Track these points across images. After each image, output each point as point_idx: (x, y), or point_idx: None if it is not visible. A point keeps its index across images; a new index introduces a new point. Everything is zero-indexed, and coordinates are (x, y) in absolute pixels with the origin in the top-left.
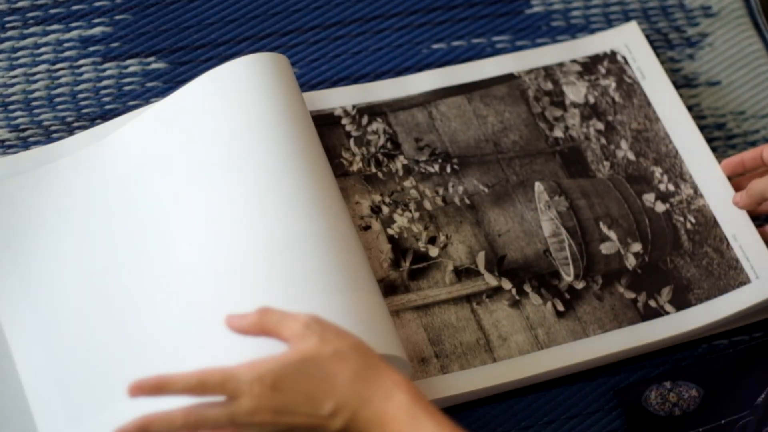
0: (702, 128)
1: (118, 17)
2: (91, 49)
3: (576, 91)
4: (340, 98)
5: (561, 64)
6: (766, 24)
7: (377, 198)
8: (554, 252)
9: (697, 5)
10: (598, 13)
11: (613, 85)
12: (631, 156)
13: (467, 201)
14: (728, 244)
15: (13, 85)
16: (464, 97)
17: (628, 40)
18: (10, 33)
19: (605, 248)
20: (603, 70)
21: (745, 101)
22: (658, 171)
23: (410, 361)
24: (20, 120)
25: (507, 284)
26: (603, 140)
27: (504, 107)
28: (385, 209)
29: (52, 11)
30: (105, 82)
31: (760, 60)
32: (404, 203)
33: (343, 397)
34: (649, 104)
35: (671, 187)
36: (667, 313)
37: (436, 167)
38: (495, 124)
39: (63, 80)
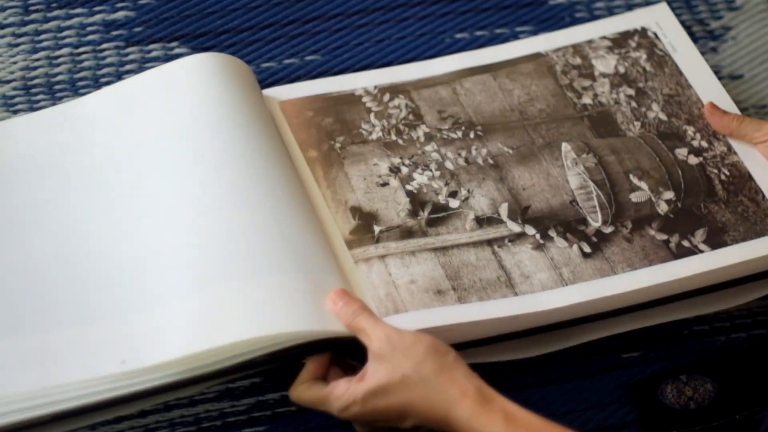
0: None
1: (141, 2)
2: (114, 33)
3: (605, 63)
4: (361, 80)
5: (590, 41)
6: None
7: (396, 160)
8: (581, 202)
9: None
10: (621, 5)
11: (644, 56)
12: (663, 116)
13: (491, 161)
14: (764, 195)
15: (35, 68)
16: (490, 75)
17: (658, 18)
18: (33, 16)
19: (635, 197)
20: (633, 44)
21: None
22: (690, 129)
23: (426, 292)
24: (42, 104)
25: (531, 230)
26: (633, 104)
27: (531, 81)
28: (405, 169)
29: None
30: (127, 67)
31: None
32: (425, 164)
33: (413, 417)
34: (680, 73)
35: (704, 144)
36: (702, 251)
37: (459, 134)
38: (521, 96)
39: (85, 64)
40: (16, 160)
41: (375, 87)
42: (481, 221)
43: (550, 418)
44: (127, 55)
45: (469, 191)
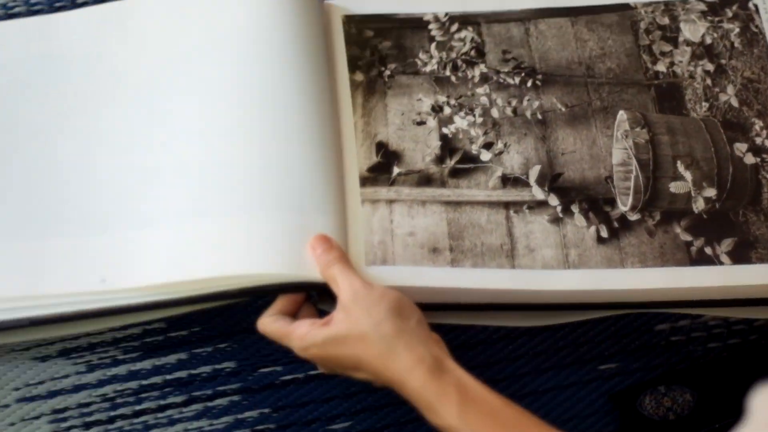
0: None
1: None
2: None
3: (693, 30)
4: (433, 5)
5: (685, 1)
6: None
7: (442, 99)
8: (617, 180)
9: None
10: None
11: (737, 30)
12: (735, 102)
13: (539, 116)
14: None
15: None
16: (568, 19)
17: None
18: None
19: (675, 187)
20: (729, 14)
21: None
22: (759, 124)
23: (420, 248)
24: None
25: (554, 200)
26: (708, 81)
27: (609, 35)
28: (447, 110)
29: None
30: None
31: None
32: (470, 107)
33: (367, 372)
34: None
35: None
36: (722, 263)
37: (517, 80)
38: (594, 49)
39: None
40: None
41: (446, 14)
42: (507, 181)
43: None
44: None
45: (505, 145)
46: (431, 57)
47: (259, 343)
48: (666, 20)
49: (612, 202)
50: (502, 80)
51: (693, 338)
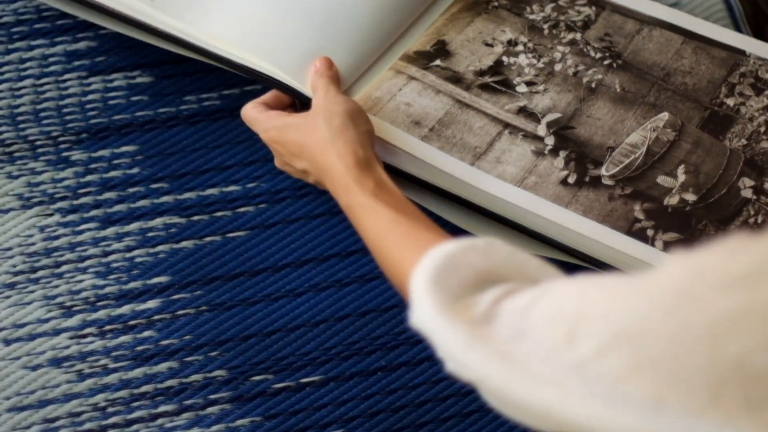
0: None
1: (102, 32)
2: (76, 63)
3: None
4: None
5: None
6: (749, 32)
7: (523, 39)
8: (617, 153)
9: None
10: None
11: None
12: None
13: (593, 85)
14: None
15: None
16: (682, 37)
17: None
18: None
19: (663, 180)
20: None
21: None
22: None
23: (406, 116)
24: (6, 135)
25: (550, 140)
26: (762, 129)
27: (708, 63)
28: (520, 47)
29: (37, 26)
30: (90, 97)
31: None
32: (540, 54)
33: (305, 159)
34: None
35: None
36: (654, 246)
37: (599, 55)
38: (685, 65)
39: (48, 95)
40: None
41: None
42: (522, 111)
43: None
44: (89, 85)
45: (545, 89)
46: (542, 11)
47: (250, 351)
48: (765, 75)
49: (598, 164)
50: (585, 51)
51: None
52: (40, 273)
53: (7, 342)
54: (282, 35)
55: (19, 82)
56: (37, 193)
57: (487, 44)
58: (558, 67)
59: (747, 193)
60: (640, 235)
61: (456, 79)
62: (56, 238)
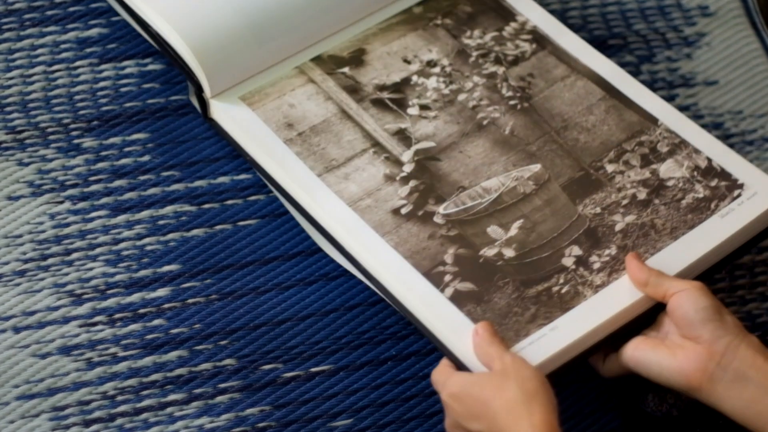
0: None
1: (114, 18)
2: (88, 50)
3: (668, 169)
4: (532, 11)
5: (697, 153)
6: (763, 24)
7: (445, 62)
8: (466, 193)
9: (694, 5)
10: (595, 13)
11: (695, 198)
12: (617, 227)
13: (484, 123)
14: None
15: (9, 86)
16: (604, 93)
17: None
18: (6, 34)
19: (492, 230)
20: (713, 183)
21: (743, 101)
22: (610, 253)
23: (284, 117)
24: (17, 122)
25: (409, 168)
26: (625, 201)
27: (613, 124)
28: (436, 69)
29: (49, 13)
30: (102, 84)
31: (758, 60)
32: (452, 80)
33: (489, 421)
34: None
35: (596, 260)
36: (442, 292)
37: (509, 94)
38: (588, 122)
39: (60, 82)
40: None
41: (530, 26)
42: (399, 133)
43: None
44: (101, 72)
45: (435, 117)
46: (481, 37)
47: (260, 339)
48: (664, 149)
49: (440, 201)
50: (499, 86)
51: None
52: (51, 260)
53: (17, 330)
54: (203, 7)
55: (31, 69)
56: (48, 181)
57: (405, 60)
58: (462, 97)
59: (568, 262)
60: (435, 278)
61: (353, 89)
62: (67, 225)
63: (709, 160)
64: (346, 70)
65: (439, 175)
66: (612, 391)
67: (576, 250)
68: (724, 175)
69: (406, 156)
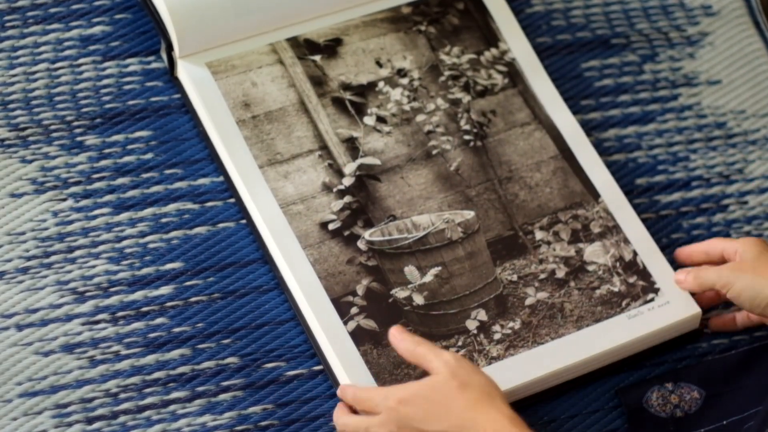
0: (702, 127)
1: (118, 16)
2: (91, 48)
3: (594, 252)
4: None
5: (627, 242)
6: (766, 23)
7: (415, 75)
8: (395, 223)
9: (697, 4)
10: (598, 12)
11: (605, 290)
12: (540, 297)
13: (433, 152)
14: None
15: (13, 83)
16: (557, 151)
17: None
18: (10, 32)
19: (409, 271)
20: (631, 280)
21: (746, 100)
22: (513, 326)
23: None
24: (20, 119)
25: (349, 181)
26: (543, 273)
27: (555, 189)
28: (404, 80)
29: (52, 10)
30: (105, 81)
31: (761, 59)
32: (416, 97)
33: (454, 420)
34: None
35: (498, 330)
36: (345, 324)
37: (467, 127)
38: (533, 179)
39: (63, 79)
40: None
41: (501, 52)
42: (349, 140)
43: (533, 426)
44: (104, 69)
45: (388, 133)
46: (458, 57)
47: (263, 338)
48: (596, 229)
49: (368, 225)
50: (459, 116)
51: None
52: (53, 258)
53: (20, 327)
54: None
55: (34, 66)
56: (51, 178)
57: (378, 62)
58: (420, 118)
59: (471, 325)
60: (342, 308)
61: (319, 81)
62: (69, 223)
63: (635, 254)
64: (317, 58)
65: (375, 197)
66: (616, 390)
67: (482, 315)
68: (644, 274)
69: (349, 168)
